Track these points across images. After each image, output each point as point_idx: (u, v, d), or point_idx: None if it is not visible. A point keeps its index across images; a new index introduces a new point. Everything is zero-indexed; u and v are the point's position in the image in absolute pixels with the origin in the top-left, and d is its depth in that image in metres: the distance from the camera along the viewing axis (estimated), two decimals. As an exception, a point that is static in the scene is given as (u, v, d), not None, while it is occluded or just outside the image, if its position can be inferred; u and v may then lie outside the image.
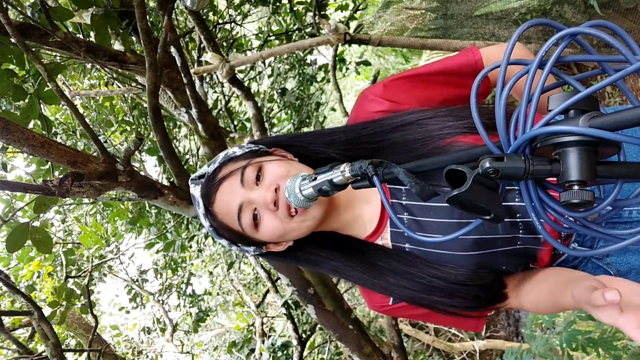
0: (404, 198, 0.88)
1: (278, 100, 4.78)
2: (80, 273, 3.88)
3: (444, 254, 0.84)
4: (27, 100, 1.84)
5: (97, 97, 3.95)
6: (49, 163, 2.45)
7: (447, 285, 0.84)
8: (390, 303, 0.93)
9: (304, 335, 3.60)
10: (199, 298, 5.29)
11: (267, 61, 4.71)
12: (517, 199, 0.82)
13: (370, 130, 0.88)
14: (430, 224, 0.85)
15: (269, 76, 4.77)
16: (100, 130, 3.90)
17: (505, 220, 0.82)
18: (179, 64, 2.44)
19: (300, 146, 0.92)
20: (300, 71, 4.65)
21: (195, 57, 3.87)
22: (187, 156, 3.99)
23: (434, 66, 0.94)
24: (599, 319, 0.56)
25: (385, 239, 0.90)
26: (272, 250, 0.91)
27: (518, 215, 0.83)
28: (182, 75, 2.40)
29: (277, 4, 4.17)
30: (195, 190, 0.87)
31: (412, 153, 0.84)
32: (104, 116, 4.00)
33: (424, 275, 0.85)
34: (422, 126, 0.85)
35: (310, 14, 3.75)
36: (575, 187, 0.50)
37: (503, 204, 0.80)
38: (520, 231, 0.83)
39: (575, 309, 0.74)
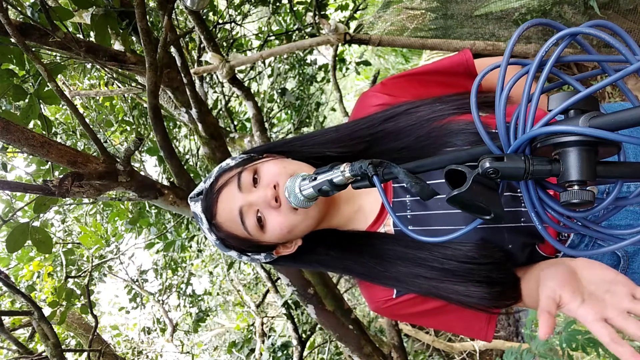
0: None
1: (278, 100, 4.78)
2: (80, 273, 3.88)
3: (448, 230, 0.83)
4: (27, 100, 1.84)
5: (97, 97, 3.95)
6: (49, 163, 2.45)
7: (459, 265, 0.82)
8: (394, 296, 0.90)
9: (304, 335, 3.60)
10: (199, 298, 5.29)
11: (267, 61, 4.71)
12: (516, 185, 0.81)
13: (363, 125, 0.90)
14: (433, 200, 0.84)
15: (269, 76, 4.77)
16: (100, 130, 3.90)
17: (505, 194, 0.82)
18: (179, 64, 2.43)
19: (293, 150, 0.92)
20: (300, 71, 4.65)
21: (195, 57, 3.87)
22: (187, 156, 3.99)
23: (429, 66, 0.97)
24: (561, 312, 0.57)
25: (387, 226, 0.90)
26: (282, 253, 0.90)
27: (518, 190, 0.82)
28: (182, 75, 2.40)
29: (277, 4, 4.17)
30: (196, 207, 0.87)
31: (410, 137, 0.86)
32: (104, 116, 4.00)
33: (435, 257, 0.83)
34: (412, 114, 0.87)
35: (310, 14, 3.75)
36: (575, 187, 0.50)
37: None
38: (522, 205, 0.82)
39: None
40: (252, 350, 4.41)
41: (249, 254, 0.88)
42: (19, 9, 1.72)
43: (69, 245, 4.17)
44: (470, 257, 0.82)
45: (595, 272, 0.59)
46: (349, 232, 0.94)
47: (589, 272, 0.60)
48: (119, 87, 3.76)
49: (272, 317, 5.34)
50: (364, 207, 0.93)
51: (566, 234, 0.86)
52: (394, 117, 0.88)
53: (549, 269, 0.64)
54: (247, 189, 0.83)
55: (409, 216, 0.86)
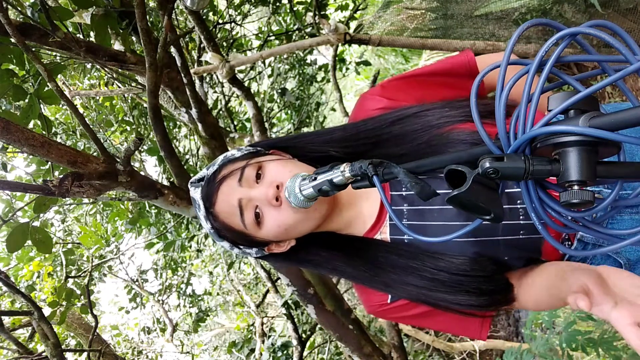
0: (403, 189, 0.88)
1: (278, 100, 4.78)
2: (80, 273, 3.88)
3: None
4: (27, 100, 1.84)
5: (97, 97, 3.95)
6: (49, 163, 2.45)
7: (450, 276, 0.82)
8: (389, 301, 0.91)
9: (304, 335, 3.60)
10: (199, 298, 5.29)
11: (267, 61, 4.71)
12: (516, 186, 0.82)
13: (370, 126, 0.89)
14: (430, 211, 0.85)
15: (269, 76, 4.77)
16: (100, 130, 3.90)
17: (504, 207, 0.82)
18: (179, 64, 2.43)
19: (299, 147, 0.92)
20: (300, 71, 4.65)
21: (195, 57, 3.87)
22: (187, 156, 3.99)
23: (429, 67, 0.97)
24: (592, 313, 0.55)
25: (384, 233, 0.90)
26: (275, 251, 0.90)
27: (518, 202, 0.82)
28: (182, 75, 2.40)
29: (277, 4, 4.17)
30: (196, 193, 0.86)
31: (412, 143, 0.85)
32: (104, 116, 4.00)
33: (427, 268, 0.84)
34: (420, 118, 0.87)
35: (310, 14, 3.75)
36: (575, 187, 0.50)
37: None
38: (521, 217, 0.82)
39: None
40: (252, 350, 4.41)
41: (241, 247, 0.88)
42: (19, 9, 1.72)
43: (69, 245, 4.16)
44: (462, 270, 0.82)
45: (625, 278, 0.57)
46: (345, 236, 0.94)
47: (618, 278, 0.58)
48: (119, 87, 3.76)
49: (272, 317, 5.34)
50: (363, 212, 0.93)
51: (569, 241, 0.86)
52: (402, 119, 0.88)
53: (576, 270, 0.63)
54: (248, 184, 0.83)
55: (405, 225, 0.87)
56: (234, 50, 4.32)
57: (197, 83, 3.67)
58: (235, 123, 4.65)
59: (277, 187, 0.80)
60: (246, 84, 4.33)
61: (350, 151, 0.89)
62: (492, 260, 0.84)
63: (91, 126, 2.51)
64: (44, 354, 1.85)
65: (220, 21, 4.05)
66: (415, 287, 0.85)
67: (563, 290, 0.67)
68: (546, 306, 0.81)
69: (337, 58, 4.55)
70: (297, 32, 4.24)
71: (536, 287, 0.81)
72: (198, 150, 3.96)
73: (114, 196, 2.33)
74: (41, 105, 1.88)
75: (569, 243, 0.86)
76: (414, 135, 0.86)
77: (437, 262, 0.84)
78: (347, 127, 0.91)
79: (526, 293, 0.84)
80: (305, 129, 4.84)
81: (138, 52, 2.58)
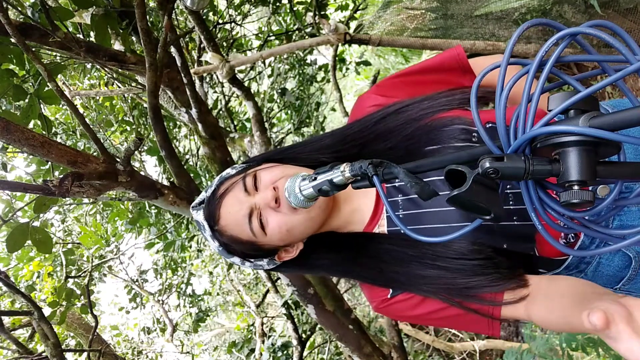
0: (396, 180, 0.89)
1: (278, 100, 4.78)
2: (80, 273, 3.88)
3: (441, 227, 0.84)
4: (27, 100, 1.84)
5: (97, 97, 3.95)
6: (49, 163, 2.45)
7: (450, 261, 0.83)
8: (389, 296, 0.91)
9: (304, 335, 3.60)
10: (199, 298, 5.29)
11: (267, 61, 4.71)
12: (516, 185, 0.81)
13: (355, 129, 0.92)
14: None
15: (269, 76, 4.77)
16: (100, 130, 3.90)
17: None
18: (179, 64, 2.43)
19: (290, 157, 0.94)
20: (300, 71, 4.65)
21: (195, 57, 3.87)
22: (187, 156, 3.99)
23: (421, 64, 0.99)
24: (618, 351, 0.49)
25: (382, 227, 0.91)
26: (285, 259, 0.91)
27: (508, 186, 0.82)
28: (182, 75, 2.40)
29: (277, 4, 4.17)
30: (198, 216, 0.88)
31: (398, 137, 0.88)
32: (104, 116, 4.00)
33: (427, 254, 0.84)
34: (401, 113, 0.89)
35: (310, 14, 3.76)
36: (575, 187, 0.50)
37: None
38: (511, 202, 0.83)
39: (591, 333, 0.64)
40: (252, 350, 4.41)
41: (252, 259, 0.89)
42: (19, 9, 1.72)
43: (69, 245, 4.16)
44: (461, 254, 0.83)
45: None
46: (346, 234, 0.95)
47: None
48: (119, 87, 3.76)
49: (272, 317, 5.34)
50: (361, 208, 0.94)
51: (573, 235, 0.86)
52: (385, 117, 0.90)
53: (604, 295, 0.58)
54: (251, 192, 0.85)
55: (401, 215, 0.87)
56: (234, 50, 4.32)
57: (197, 83, 3.67)
58: (235, 123, 4.65)
59: (275, 188, 0.82)
60: (246, 84, 4.33)
61: (340, 155, 0.91)
62: (490, 246, 0.84)
63: (91, 126, 2.51)
64: (44, 354, 1.85)
65: (220, 21, 4.05)
66: (422, 277, 0.85)
67: (582, 317, 0.61)
68: (555, 326, 0.77)
69: (337, 58, 4.56)
70: (297, 32, 4.24)
71: (551, 305, 0.77)
72: (198, 150, 3.96)
73: (114, 196, 2.33)
74: (41, 105, 1.88)
75: (574, 235, 0.86)
76: (398, 129, 0.88)
77: (435, 248, 0.84)
78: (335, 133, 0.94)
79: (539, 309, 0.80)
80: (305, 129, 4.85)
81: (138, 52, 2.58)
